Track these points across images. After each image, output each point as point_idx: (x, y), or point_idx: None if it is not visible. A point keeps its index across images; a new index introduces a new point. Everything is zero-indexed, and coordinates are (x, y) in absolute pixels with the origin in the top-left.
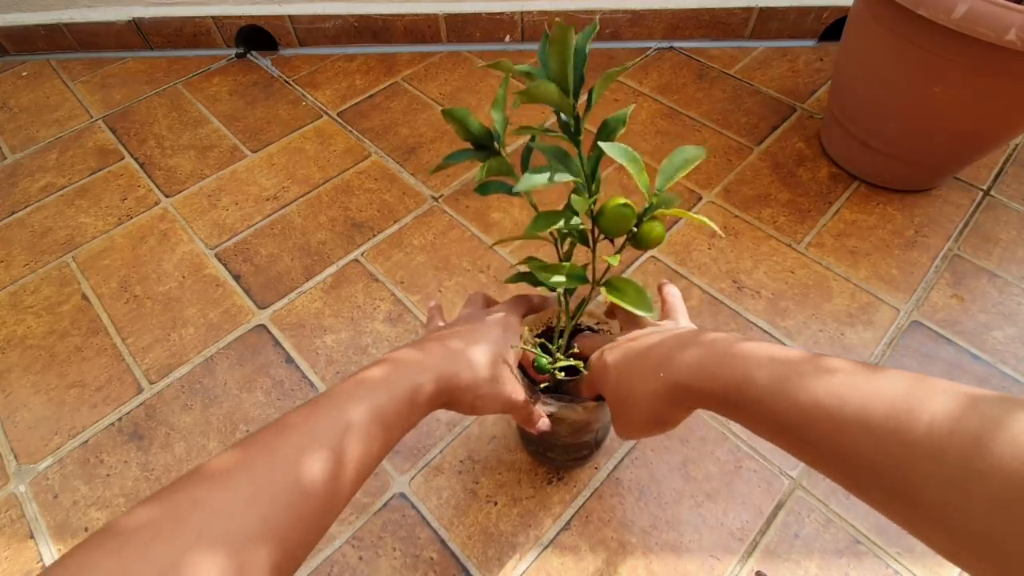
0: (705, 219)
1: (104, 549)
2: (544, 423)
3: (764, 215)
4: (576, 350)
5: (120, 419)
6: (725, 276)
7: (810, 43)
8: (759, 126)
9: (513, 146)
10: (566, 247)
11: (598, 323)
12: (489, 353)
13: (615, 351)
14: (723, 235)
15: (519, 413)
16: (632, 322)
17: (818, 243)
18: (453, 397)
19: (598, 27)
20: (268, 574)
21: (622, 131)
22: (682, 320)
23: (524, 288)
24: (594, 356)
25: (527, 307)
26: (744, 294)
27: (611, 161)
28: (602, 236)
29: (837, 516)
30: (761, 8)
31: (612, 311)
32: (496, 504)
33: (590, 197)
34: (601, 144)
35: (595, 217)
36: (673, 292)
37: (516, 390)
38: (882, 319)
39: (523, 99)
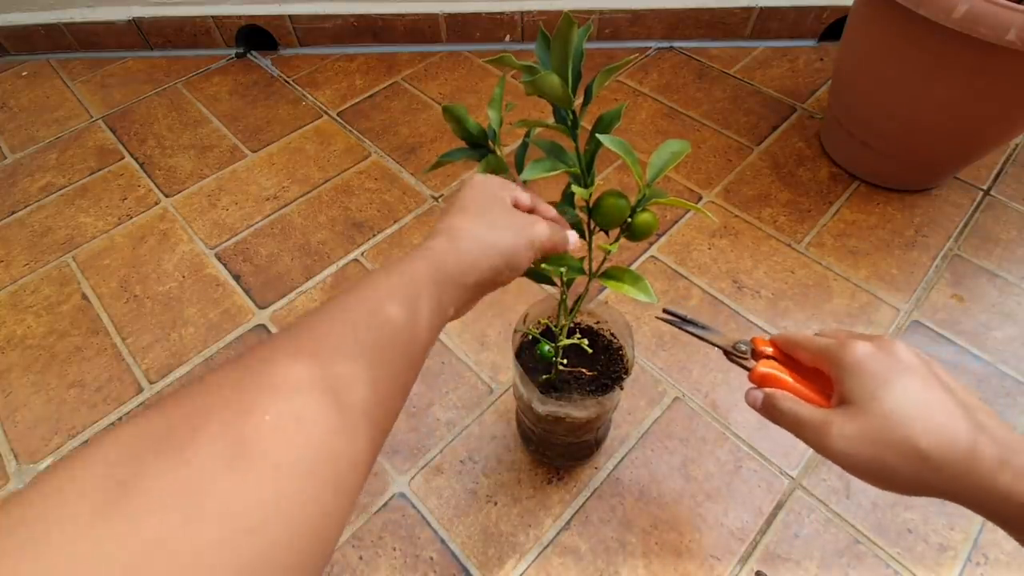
0: (695, 206)
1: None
2: (573, 236)
3: (764, 215)
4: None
5: (120, 419)
6: (725, 276)
7: (810, 43)
8: (759, 126)
9: (509, 148)
10: None
11: (597, 322)
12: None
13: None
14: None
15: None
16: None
17: (818, 243)
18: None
19: (592, 27)
20: (367, 387)
21: (618, 125)
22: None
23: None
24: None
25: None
26: (744, 294)
27: (609, 162)
28: (598, 228)
29: (837, 516)
30: (761, 8)
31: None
32: (496, 504)
33: (586, 188)
34: (599, 136)
35: (591, 209)
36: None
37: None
38: (882, 319)
39: (528, 90)
